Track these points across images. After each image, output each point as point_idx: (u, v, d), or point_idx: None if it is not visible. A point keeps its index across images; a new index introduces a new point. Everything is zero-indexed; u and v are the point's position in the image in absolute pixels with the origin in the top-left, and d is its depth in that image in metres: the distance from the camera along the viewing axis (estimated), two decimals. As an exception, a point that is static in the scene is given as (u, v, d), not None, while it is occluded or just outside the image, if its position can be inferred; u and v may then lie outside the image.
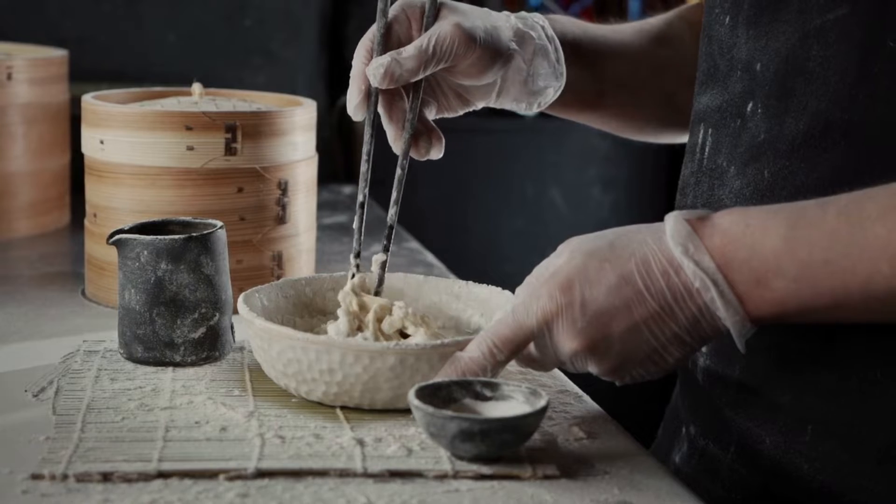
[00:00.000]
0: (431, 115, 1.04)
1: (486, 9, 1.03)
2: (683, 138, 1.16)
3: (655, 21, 1.16)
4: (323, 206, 1.58)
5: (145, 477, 0.77)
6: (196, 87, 1.23)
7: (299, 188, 1.21)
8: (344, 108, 1.48)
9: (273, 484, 0.77)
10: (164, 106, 1.19)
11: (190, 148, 1.14)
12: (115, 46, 1.99)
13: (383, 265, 1.00)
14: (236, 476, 0.78)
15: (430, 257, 1.50)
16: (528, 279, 0.88)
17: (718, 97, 0.95)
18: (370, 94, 0.98)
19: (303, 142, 1.21)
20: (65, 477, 0.77)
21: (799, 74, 0.87)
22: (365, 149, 0.99)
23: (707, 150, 0.96)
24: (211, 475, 0.78)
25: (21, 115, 1.47)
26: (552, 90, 1.06)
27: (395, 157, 1.00)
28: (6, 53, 1.53)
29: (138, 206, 1.15)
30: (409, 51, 0.96)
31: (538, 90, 1.05)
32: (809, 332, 0.87)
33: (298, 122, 1.20)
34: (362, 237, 0.99)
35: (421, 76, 0.97)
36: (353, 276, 0.98)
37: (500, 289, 1.01)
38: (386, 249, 1.00)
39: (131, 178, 1.16)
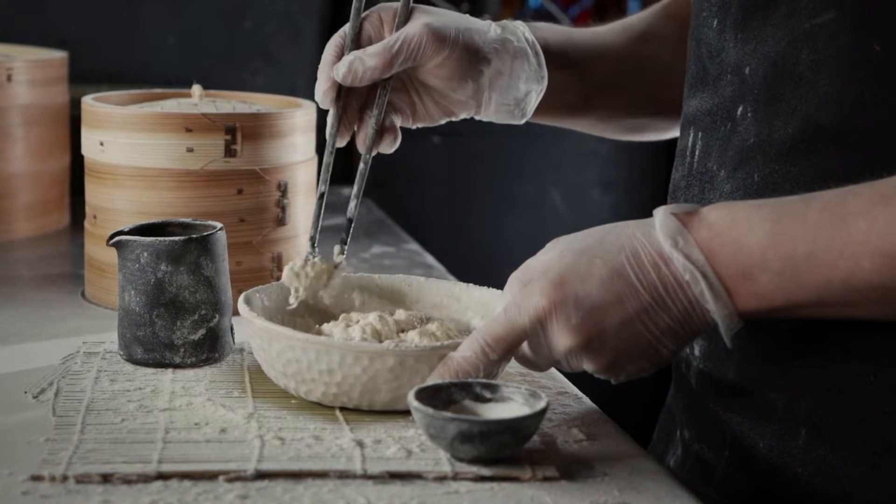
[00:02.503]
0: (408, 123, 1.05)
1: (466, 15, 1.04)
2: (669, 135, 1.17)
3: (638, 18, 1.16)
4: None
5: (145, 478, 0.77)
6: (196, 89, 1.23)
7: (299, 190, 1.21)
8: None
9: (273, 485, 0.77)
10: (164, 107, 1.19)
11: (190, 149, 1.14)
12: (115, 48, 1.99)
13: (338, 266, 1.00)
14: (236, 477, 0.78)
15: (429, 259, 1.50)
16: (516, 276, 0.87)
17: (708, 101, 0.95)
18: (339, 87, 0.99)
19: (302, 143, 1.21)
20: (64, 478, 0.77)
21: (788, 78, 0.87)
22: (329, 141, 1.00)
23: (697, 153, 0.97)
24: (210, 476, 0.78)
25: (21, 117, 1.47)
26: (534, 94, 1.06)
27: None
28: (6, 55, 1.53)
29: (138, 207, 1.15)
30: (374, 48, 0.98)
31: (520, 96, 1.05)
32: (803, 335, 0.87)
33: (298, 124, 1.21)
34: (320, 225, 1.00)
35: (387, 74, 0.98)
36: (308, 257, 0.99)
37: (500, 291, 1.01)
38: (343, 242, 1.01)
39: (131, 179, 1.16)
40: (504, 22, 1.05)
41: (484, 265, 2.43)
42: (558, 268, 0.84)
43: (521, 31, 1.05)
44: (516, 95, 1.05)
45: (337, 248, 1.00)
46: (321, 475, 0.79)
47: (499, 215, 2.45)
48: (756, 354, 0.90)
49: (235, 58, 2.06)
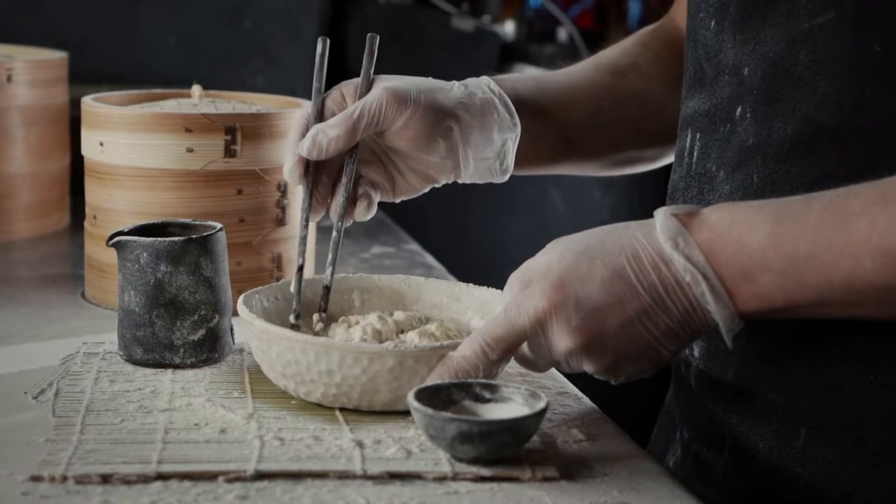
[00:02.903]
0: (389, 197, 1.04)
1: (429, 78, 1.03)
2: (663, 162, 1.17)
3: (611, 53, 1.15)
4: (323, 208, 1.58)
5: (144, 479, 0.77)
6: (196, 89, 1.23)
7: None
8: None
9: (272, 486, 0.77)
10: (164, 108, 1.19)
11: (189, 150, 1.14)
12: (115, 48, 1.99)
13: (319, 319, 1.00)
14: (235, 478, 0.78)
15: (429, 259, 1.50)
16: (516, 276, 0.87)
17: (706, 102, 0.95)
18: (307, 163, 0.99)
19: (302, 144, 1.21)
20: (64, 479, 0.77)
21: (787, 79, 0.87)
22: (302, 216, 1.00)
23: (695, 154, 0.96)
24: (210, 477, 0.78)
25: (21, 117, 1.47)
26: (511, 142, 1.04)
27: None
28: (6, 55, 1.53)
29: (138, 207, 1.15)
30: (335, 119, 0.98)
31: (497, 148, 1.04)
32: (803, 336, 0.87)
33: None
34: (301, 298, 0.99)
35: (352, 143, 0.98)
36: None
37: (500, 291, 1.01)
38: (322, 310, 1.00)
39: (131, 179, 1.16)
40: (467, 80, 1.05)
41: (484, 265, 2.44)
42: (559, 269, 0.84)
43: (485, 83, 1.05)
44: (493, 148, 1.04)
45: (316, 317, 1.00)
46: (321, 476, 0.79)
47: (499, 215, 2.45)
48: (755, 355, 0.90)
49: (235, 58, 2.06)
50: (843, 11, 0.84)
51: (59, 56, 1.55)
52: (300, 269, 1.00)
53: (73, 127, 1.46)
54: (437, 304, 1.04)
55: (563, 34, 2.70)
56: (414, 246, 1.57)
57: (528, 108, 1.06)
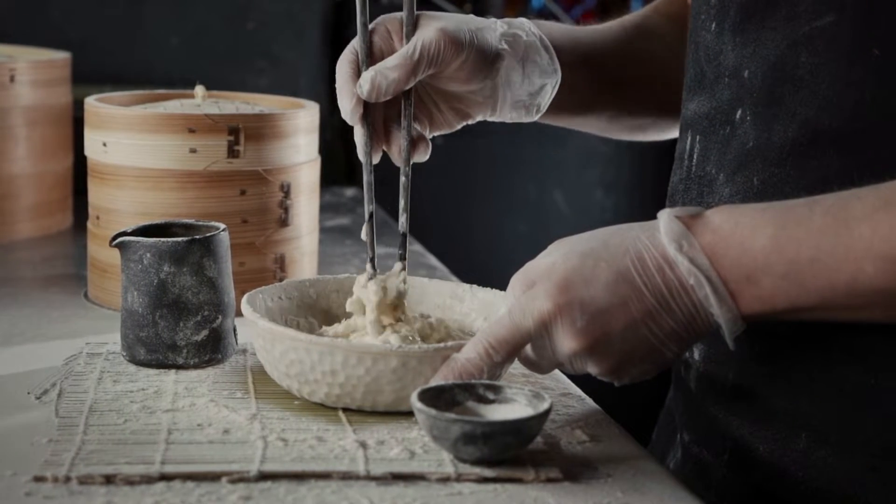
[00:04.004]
0: (426, 132, 1.03)
1: (470, 15, 1.02)
2: (670, 135, 1.17)
3: (635, 16, 1.15)
4: (325, 209, 1.58)
5: (148, 479, 0.77)
6: (199, 90, 1.23)
7: (302, 191, 1.21)
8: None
9: (276, 486, 0.77)
10: (167, 108, 1.19)
11: (193, 150, 1.14)
12: (117, 49, 1.99)
13: (403, 277, 0.97)
14: (239, 479, 0.78)
15: (432, 260, 1.50)
16: (518, 277, 0.87)
17: (706, 104, 0.95)
18: (364, 104, 0.97)
19: (305, 144, 1.21)
20: (67, 479, 0.77)
21: (787, 82, 0.87)
22: (365, 160, 0.98)
23: (695, 157, 0.96)
24: (213, 478, 0.78)
25: (24, 118, 1.47)
26: (549, 87, 1.04)
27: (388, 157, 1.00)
28: (9, 56, 1.54)
29: (141, 208, 1.15)
30: (393, 60, 0.96)
31: (535, 89, 1.04)
32: (804, 339, 0.87)
33: (301, 125, 1.21)
34: (375, 246, 0.98)
35: (410, 84, 0.97)
36: (371, 276, 0.96)
37: (503, 292, 1.01)
38: (402, 258, 0.98)
39: (134, 180, 1.16)
40: (508, 20, 1.04)
41: (486, 266, 2.44)
42: (563, 271, 0.84)
43: (528, 26, 1.04)
44: (530, 90, 1.04)
45: (398, 266, 0.97)
46: (324, 476, 0.79)
47: (501, 216, 2.45)
48: (756, 357, 0.90)
49: (238, 58, 2.06)
50: (844, 14, 0.84)
51: (61, 56, 1.55)
52: (371, 216, 0.97)
53: (75, 127, 1.46)
54: (439, 304, 1.04)
55: (565, 35, 2.70)
56: (417, 246, 1.57)
57: (563, 56, 1.06)
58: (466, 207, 2.47)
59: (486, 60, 1.00)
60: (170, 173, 1.14)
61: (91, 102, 1.20)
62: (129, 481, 0.77)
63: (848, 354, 0.85)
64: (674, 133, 1.15)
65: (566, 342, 0.84)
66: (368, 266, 0.97)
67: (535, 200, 2.45)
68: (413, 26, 0.98)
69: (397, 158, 0.99)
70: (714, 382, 0.94)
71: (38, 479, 0.77)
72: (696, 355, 0.96)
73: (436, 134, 1.04)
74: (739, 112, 0.91)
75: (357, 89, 0.96)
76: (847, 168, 0.84)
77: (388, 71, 0.95)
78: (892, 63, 0.82)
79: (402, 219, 0.98)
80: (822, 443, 0.87)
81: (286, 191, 1.19)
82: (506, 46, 1.01)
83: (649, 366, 0.85)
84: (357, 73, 0.97)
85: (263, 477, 0.78)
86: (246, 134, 1.15)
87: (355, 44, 0.98)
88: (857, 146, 0.84)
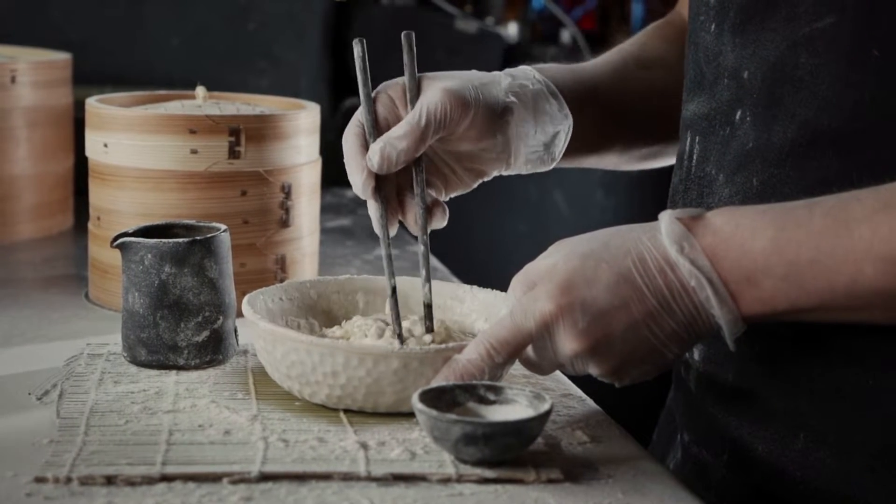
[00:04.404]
0: (441, 195, 1.01)
1: (472, 70, 1.00)
2: None
3: (633, 45, 1.14)
4: (326, 210, 1.58)
5: (149, 480, 0.77)
6: (199, 91, 1.23)
7: (303, 191, 1.21)
8: (347, 111, 1.47)
9: (277, 487, 0.77)
10: (168, 109, 1.19)
11: (193, 151, 1.14)
12: (118, 50, 1.99)
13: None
14: (240, 479, 0.78)
15: (433, 260, 1.50)
16: (519, 278, 0.87)
17: (706, 105, 0.95)
18: (376, 177, 0.95)
19: (306, 145, 1.21)
20: (68, 480, 0.77)
21: (787, 83, 0.87)
22: (381, 234, 0.96)
23: (695, 157, 0.96)
24: (214, 479, 0.78)
25: (25, 119, 1.47)
26: (563, 133, 1.02)
27: None
28: (10, 57, 1.54)
29: (142, 209, 1.15)
30: (400, 129, 0.94)
31: (548, 138, 1.02)
32: (803, 339, 0.87)
33: (302, 126, 1.21)
34: (400, 321, 0.95)
35: (420, 151, 0.94)
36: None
37: (504, 293, 1.01)
38: (429, 330, 0.95)
39: (135, 181, 1.16)
40: (510, 71, 1.02)
41: (487, 267, 2.44)
42: (564, 272, 0.84)
43: (532, 74, 1.02)
44: (544, 140, 1.02)
45: (428, 338, 0.95)
46: (325, 477, 0.79)
47: (502, 217, 2.45)
48: (755, 358, 0.90)
49: (239, 59, 2.06)
50: (844, 15, 0.84)
51: (62, 57, 1.55)
52: (394, 291, 0.95)
53: (76, 128, 1.46)
54: (440, 305, 1.04)
55: (566, 36, 2.70)
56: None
57: (569, 100, 1.04)
58: (466, 207, 2.47)
59: (494, 115, 0.98)
60: (171, 174, 1.14)
61: (92, 103, 1.20)
62: (130, 482, 0.77)
63: (847, 356, 0.86)
64: None
65: (567, 343, 0.84)
66: (396, 341, 0.93)
67: (535, 201, 2.45)
68: (416, 90, 0.96)
69: (414, 227, 0.98)
70: (714, 383, 0.95)
71: (39, 479, 0.77)
72: (697, 356, 0.96)
73: (452, 196, 1.02)
74: (739, 113, 0.91)
75: (367, 162, 0.94)
76: (847, 169, 0.84)
77: (397, 141, 0.93)
78: (892, 64, 0.82)
79: (425, 289, 0.96)
80: (820, 443, 0.87)
81: (287, 192, 1.19)
82: (513, 99, 0.99)
83: (650, 367, 0.85)
84: (365, 146, 0.95)
85: (264, 478, 0.78)
86: (247, 135, 1.15)
87: (360, 116, 0.96)
88: (857, 147, 0.84)
